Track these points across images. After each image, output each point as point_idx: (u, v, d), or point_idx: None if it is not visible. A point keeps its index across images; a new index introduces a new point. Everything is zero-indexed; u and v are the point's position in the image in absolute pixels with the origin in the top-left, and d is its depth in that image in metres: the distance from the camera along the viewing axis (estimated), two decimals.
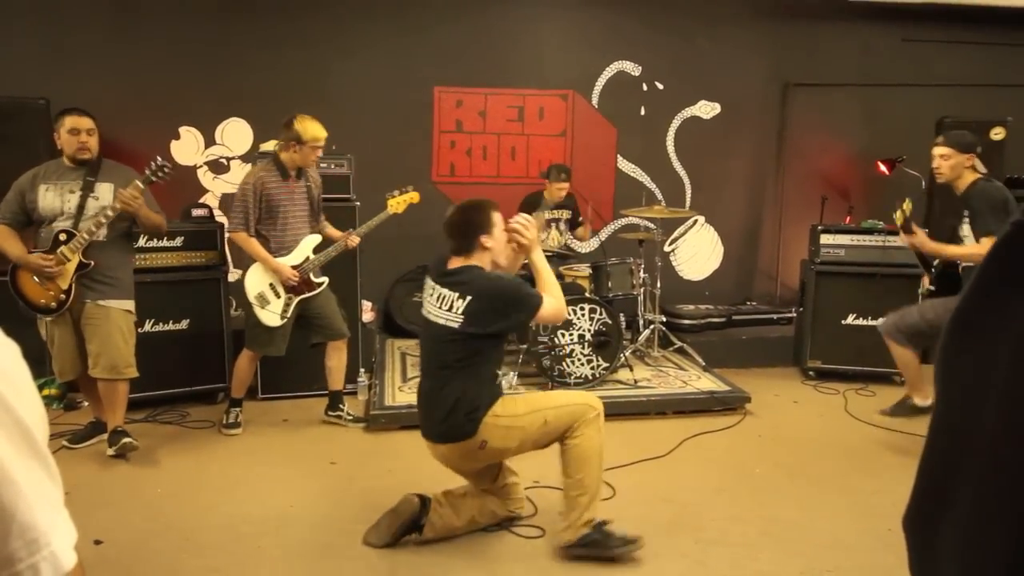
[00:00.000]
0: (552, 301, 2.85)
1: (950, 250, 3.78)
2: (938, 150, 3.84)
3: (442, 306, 2.82)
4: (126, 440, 3.71)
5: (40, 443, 0.73)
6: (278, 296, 4.10)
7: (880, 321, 3.97)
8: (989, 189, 3.70)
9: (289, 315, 4.11)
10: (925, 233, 3.89)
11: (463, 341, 2.78)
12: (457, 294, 2.79)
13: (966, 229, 3.81)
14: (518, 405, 2.85)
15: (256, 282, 4.07)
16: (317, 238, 4.21)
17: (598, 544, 2.80)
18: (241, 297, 4.14)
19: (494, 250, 2.89)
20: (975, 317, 0.58)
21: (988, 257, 0.58)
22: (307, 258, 4.14)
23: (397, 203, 4.31)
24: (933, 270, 3.89)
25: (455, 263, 2.89)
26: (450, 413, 2.79)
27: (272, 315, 4.08)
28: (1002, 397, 0.54)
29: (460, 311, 2.76)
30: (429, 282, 2.94)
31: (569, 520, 2.82)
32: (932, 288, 3.86)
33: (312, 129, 3.97)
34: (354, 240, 4.23)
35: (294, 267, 4.08)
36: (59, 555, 0.73)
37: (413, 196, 4.37)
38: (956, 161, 3.77)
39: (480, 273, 2.84)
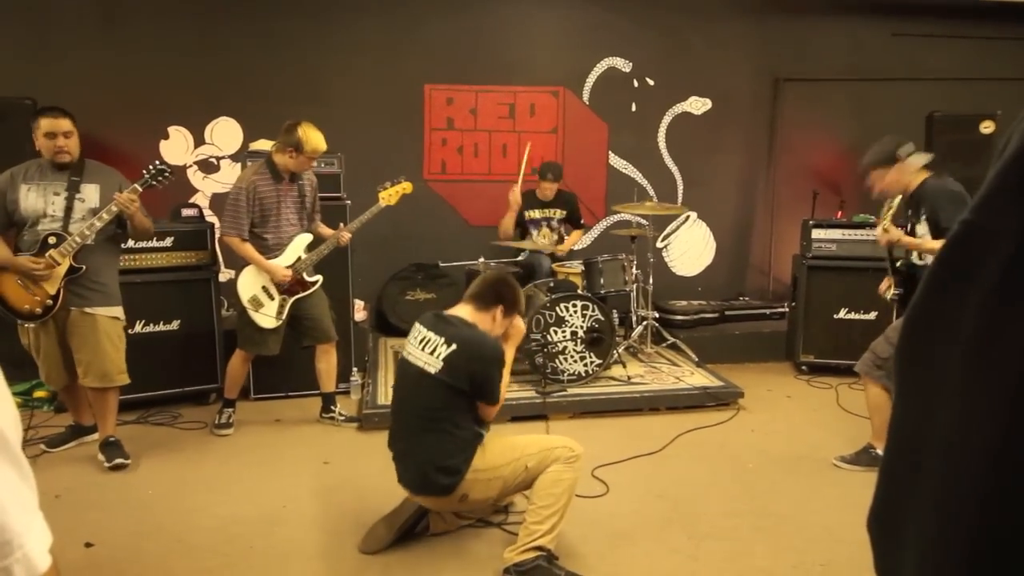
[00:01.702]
0: (497, 409, 2.82)
1: (930, 243, 3.48)
2: (870, 179, 3.62)
3: (424, 348, 2.73)
4: (119, 461, 3.67)
5: (13, 445, 0.72)
6: (272, 298, 4.07)
7: (858, 362, 3.76)
8: (947, 185, 3.47)
9: (284, 316, 4.10)
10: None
11: (435, 389, 2.69)
12: (443, 339, 2.70)
13: (921, 229, 3.55)
14: (497, 455, 2.77)
15: (249, 285, 4.05)
16: (308, 237, 4.18)
17: (540, 571, 2.63)
18: (234, 297, 4.11)
19: (495, 328, 2.85)
20: (929, 317, 0.58)
21: (938, 256, 0.58)
22: (299, 258, 4.12)
23: (389, 195, 4.28)
24: (898, 268, 3.71)
25: (455, 311, 2.84)
26: (427, 471, 2.72)
27: (267, 317, 4.06)
28: (956, 396, 0.54)
29: (441, 357, 2.67)
30: (418, 327, 2.84)
31: (518, 543, 2.70)
32: (900, 292, 3.67)
33: (314, 140, 3.93)
34: (345, 236, 4.20)
35: (287, 267, 4.06)
36: (32, 557, 0.73)
37: (406, 187, 4.35)
38: (891, 177, 3.55)
39: (471, 327, 2.77)
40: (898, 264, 3.76)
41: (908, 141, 3.55)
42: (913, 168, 3.52)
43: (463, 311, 2.85)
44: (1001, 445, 0.50)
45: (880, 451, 3.72)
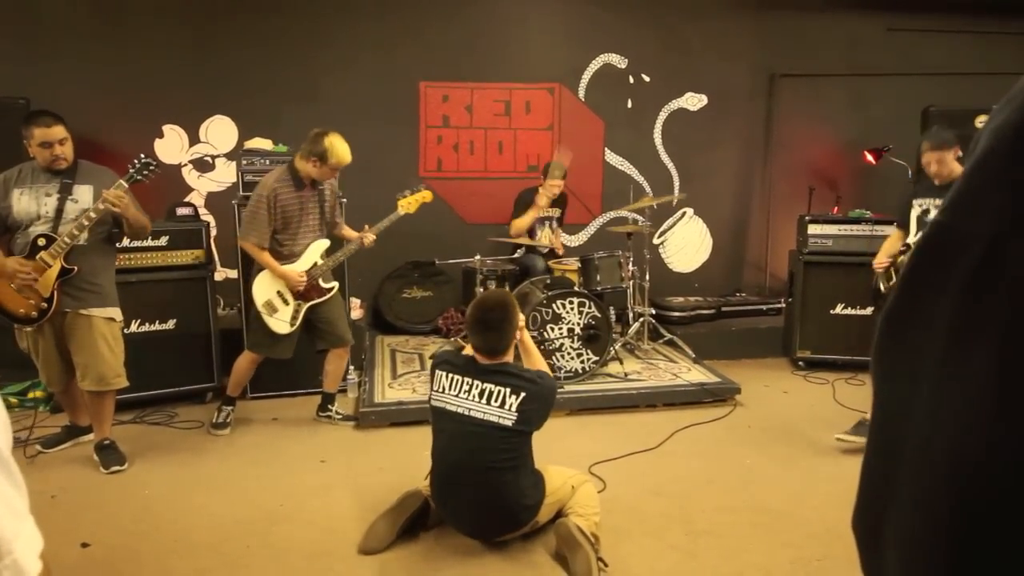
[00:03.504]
0: None
1: None
2: (934, 155, 3.85)
3: (490, 401, 2.77)
4: (115, 468, 3.65)
5: (3, 450, 0.72)
6: (286, 303, 4.04)
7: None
8: None
9: (299, 322, 4.07)
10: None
11: (512, 437, 2.77)
12: (509, 390, 2.76)
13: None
14: (552, 480, 2.94)
15: (264, 290, 4.02)
16: (325, 243, 4.15)
17: (594, 546, 2.78)
18: (248, 298, 4.08)
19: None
20: (903, 319, 0.58)
21: (911, 259, 0.58)
22: (315, 263, 4.08)
23: (408, 203, 4.26)
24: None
25: (488, 359, 2.85)
26: (513, 512, 2.83)
27: (281, 323, 4.03)
28: (932, 396, 0.54)
29: (514, 408, 2.75)
30: (457, 377, 2.86)
31: (586, 516, 2.86)
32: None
33: (340, 152, 3.88)
34: (369, 237, 4.15)
35: (301, 273, 4.03)
36: (22, 563, 0.72)
37: (425, 195, 4.32)
38: (948, 159, 3.84)
39: (523, 370, 2.89)
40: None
41: None
42: (958, 155, 3.84)
43: (496, 359, 2.86)
44: (976, 445, 0.50)
45: None
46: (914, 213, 4.12)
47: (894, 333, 0.59)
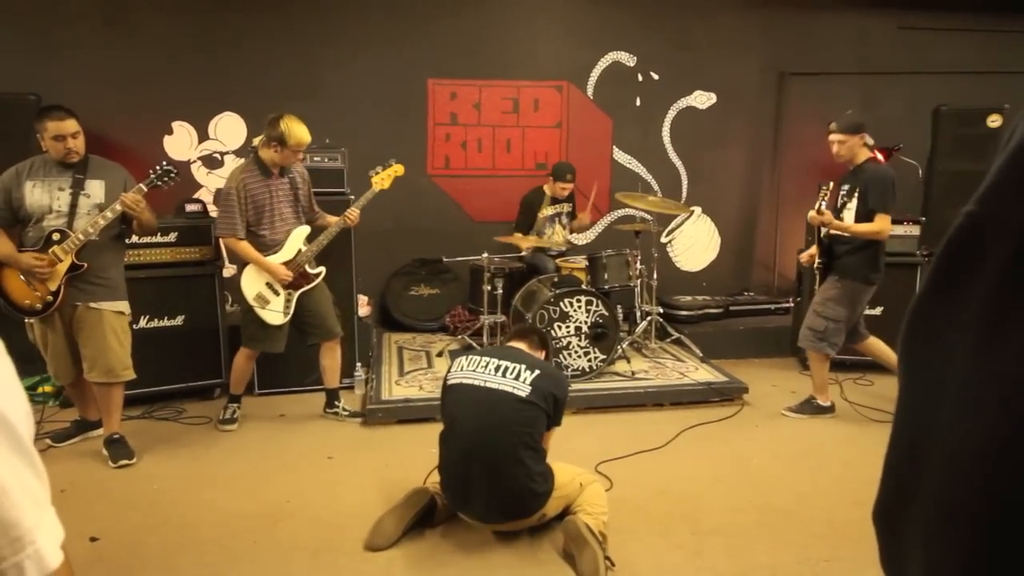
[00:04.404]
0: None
1: (855, 228, 4.06)
2: (833, 137, 4.12)
3: (505, 375, 2.87)
4: (124, 462, 3.68)
5: (25, 440, 0.72)
6: (277, 294, 4.06)
7: (799, 339, 4.48)
8: (881, 171, 4.06)
9: (291, 311, 4.08)
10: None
11: (527, 412, 2.81)
12: (524, 366, 2.88)
13: (852, 203, 4.10)
14: (561, 475, 2.96)
15: (253, 283, 4.03)
16: (306, 229, 4.15)
17: (601, 545, 2.77)
18: (238, 294, 4.10)
19: None
20: (932, 309, 0.57)
21: (942, 248, 0.57)
22: (299, 251, 4.09)
23: (381, 179, 4.25)
24: (821, 240, 4.30)
25: (511, 341, 3.16)
26: (522, 497, 2.83)
27: (275, 313, 4.05)
28: (958, 391, 0.53)
29: (528, 381, 2.84)
30: (476, 357, 2.99)
31: (589, 513, 2.86)
32: (823, 261, 4.28)
33: (297, 133, 3.88)
34: (353, 214, 4.14)
35: (287, 262, 4.05)
36: (44, 553, 0.72)
37: (397, 169, 4.30)
38: (851, 143, 4.07)
39: (543, 360, 3.08)
40: (822, 235, 4.27)
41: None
42: (864, 143, 4.09)
43: (520, 345, 3.11)
44: (1004, 441, 0.49)
45: (820, 401, 4.46)
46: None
47: (922, 327, 0.58)
